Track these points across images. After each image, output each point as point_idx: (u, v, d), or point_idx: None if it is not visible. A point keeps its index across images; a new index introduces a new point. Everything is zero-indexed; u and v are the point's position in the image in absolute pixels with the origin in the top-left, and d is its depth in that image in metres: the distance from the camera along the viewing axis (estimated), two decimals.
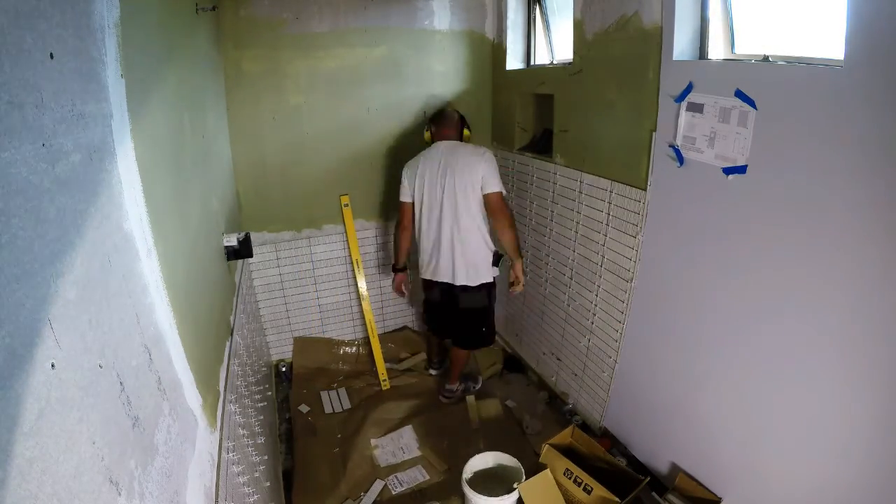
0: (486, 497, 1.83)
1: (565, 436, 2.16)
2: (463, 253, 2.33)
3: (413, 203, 2.41)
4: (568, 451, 2.09)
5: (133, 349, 0.79)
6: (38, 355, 0.51)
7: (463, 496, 1.91)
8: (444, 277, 2.41)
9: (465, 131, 2.46)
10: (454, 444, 2.40)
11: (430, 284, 2.53)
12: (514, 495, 1.87)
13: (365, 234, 2.95)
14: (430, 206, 2.33)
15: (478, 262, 2.37)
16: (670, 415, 1.98)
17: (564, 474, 1.95)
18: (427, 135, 2.46)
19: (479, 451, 2.29)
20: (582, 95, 2.17)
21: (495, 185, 2.26)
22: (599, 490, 1.84)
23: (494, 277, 2.46)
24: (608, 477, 1.92)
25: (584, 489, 1.88)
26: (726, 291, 1.65)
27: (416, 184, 2.35)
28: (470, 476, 1.95)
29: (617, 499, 1.80)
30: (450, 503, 2.07)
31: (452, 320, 2.56)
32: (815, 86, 1.29)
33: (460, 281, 2.38)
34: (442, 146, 2.35)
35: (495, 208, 2.27)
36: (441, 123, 2.42)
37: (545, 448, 2.04)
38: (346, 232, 2.85)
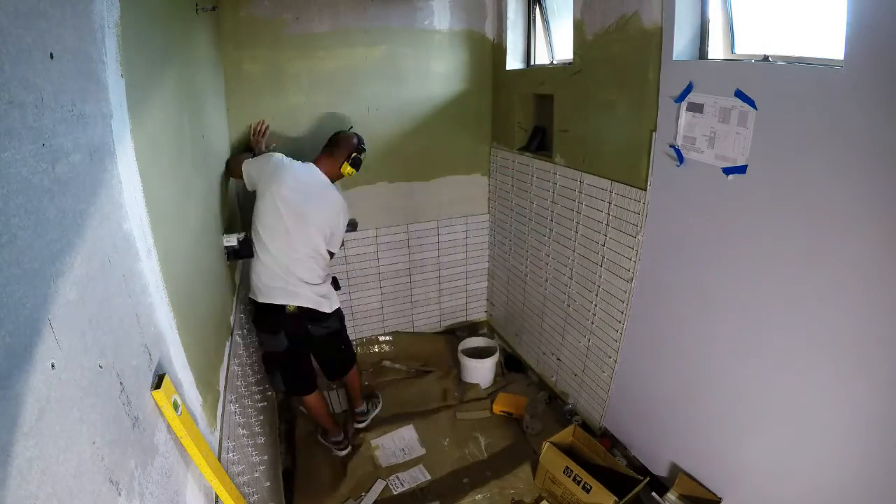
0: (473, 359, 2.80)
1: (567, 435, 2.16)
2: (316, 283, 2.14)
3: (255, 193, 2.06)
4: (569, 451, 2.10)
5: (133, 349, 0.79)
6: (38, 355, 0.51)
7: (458, 364, 2.89)
8: (305, 303, 2.10)
9: (348, 168, 2.17)
10: (454, 443, 2.41)
11: (275, 322, 2.09)
12: (492, 359, 2.82)
13: (365, 235, 2.95)
14: (281, 227, 2.01)
15: (329, 291, 2.22)
16: (670, 415, 1.98)
17: (564, 472, 1.96)
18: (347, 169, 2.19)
19: (480, 451, 2.32)
20: (582, 95, 2.17)
21: (336, 246, 2.20)
22: (599, 489, 1.84)
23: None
24: (609, 477, 1.93)
25: (584, 487, 1.88)
26: (726, 291, 1.65)
27: (272, 193, 1.99)
28: (463, 349, 2.91)
29: (615, 497, 1.81)
30: (451, 503, 2.07)
31: (320, 355, 2.37)
32: (815, 86, 1.29)
33: (324, 309, 2.16)
34: (316, 174, 2.11)
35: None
36: (334, 147, 2.16)
37: (546, 446, 2.05)
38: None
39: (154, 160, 1.02)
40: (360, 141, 2.23)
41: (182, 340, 1.02)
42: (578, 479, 1.91)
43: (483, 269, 3.33)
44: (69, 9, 0.68)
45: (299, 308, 2.09)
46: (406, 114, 2.79)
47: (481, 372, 2.83)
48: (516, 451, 2.36)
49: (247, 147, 2.45)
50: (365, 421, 2.55)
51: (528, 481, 2.16)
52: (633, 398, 2.17)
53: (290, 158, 2.10)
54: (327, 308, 2.18)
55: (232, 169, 2.16)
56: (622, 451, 2.23)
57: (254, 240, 2.03)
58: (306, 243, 2.07)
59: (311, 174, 2.10)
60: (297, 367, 2.22)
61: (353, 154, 2.18)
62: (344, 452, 2.38)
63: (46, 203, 0.57)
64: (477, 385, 2.82)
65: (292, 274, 2.06)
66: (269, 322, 2.11)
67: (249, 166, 2.07)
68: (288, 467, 2.29)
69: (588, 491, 1.87)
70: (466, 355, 2.84)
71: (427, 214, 3.04)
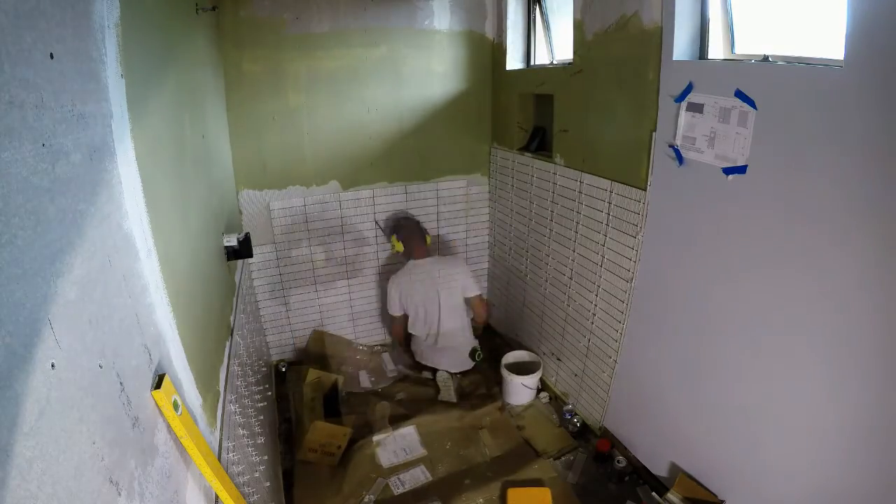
0: (517, 375, 2.62)
1: None
2: (456, 348, 2.87)
3: (404, 314, 2.86)
4: None
5: (133, 349, 0.79)
6: (38, 355, 0.51)
7: (501, 379, 2.71)
8: (441, 366, 2.88)
9: (427, 237, 2.82)
10: (456, 444, 2.41)
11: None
12: (535, 375, 2.63)
13: (364, 235, 2.95)
14: (426, 316, 2.81)
15: (465, 357, 2.90)
16: (671, 415, 1.98)
17: None
18: (399, 245, 2.78)
19: (481, 452, 2.34)
20: (582, 95, 2.17)
21: (475, 289, 2.84)
22: None
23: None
24: None
25: None
26: (726, 291, 1.65)
27: (408, 301, 2.80)
28: (506, 364, 2.72)
29: None
30: (452, 503, 2.07)
31: None
32: (815, 86, 1.29)
33: (455, 369, 2.89)
34: (425, 265, 2.78)
35: (479, 309, 2.93)
36: (412, 240, 2.77)
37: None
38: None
39: (154, 160, 1.02)
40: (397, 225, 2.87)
41: (182, 340, 1.02)
42: None
43: (483, 269, 3.33)
44: (69, 9, 0.68)
45: None
46: (406, 114, 2.79)
47: (525, 391, 2.66)
48: (517, 451, 2.36)
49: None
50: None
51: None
52: (633, 398, 2.17)
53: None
54: None
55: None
56: (622, 451, 2.23)
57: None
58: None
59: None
60: None
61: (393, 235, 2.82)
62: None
63: (46, 203, 0.57)
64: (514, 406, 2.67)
65: None
66: None
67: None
68: (288, 467, 2.29)
69: None
70: (510, 371, 2.66)
71: (427, 214, 3.04)
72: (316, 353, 3.01)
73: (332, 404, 2.64)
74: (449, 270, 2.79)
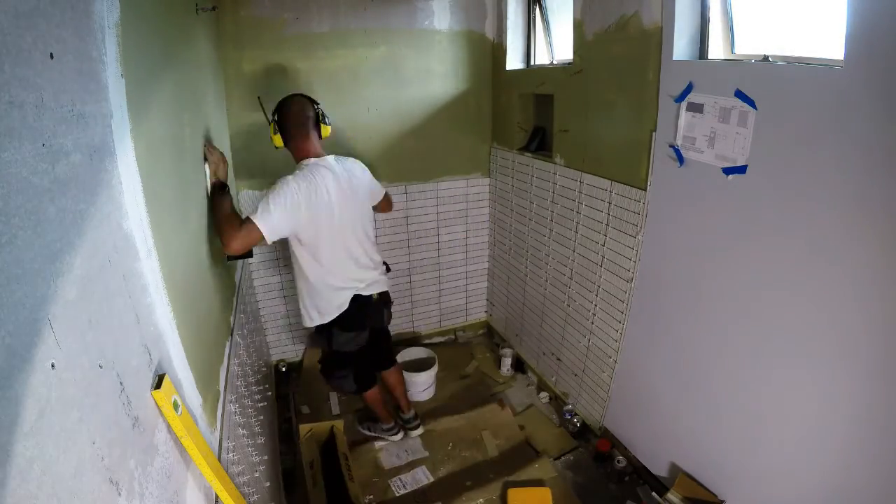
0: (411, 373, 2.60)
1: None
2: (379, 265, 2.12)
3: (301, 235, 1.84)
4: None
5: (133, 349, 0.79)
6: (38, 355, 0.51)
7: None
8: (381, 287, 2.09)
9: (325, 127, 1.94)
10: (457, 445, 2.41)
11: (362, 316, 2.03)
12: (430, 371, 2.65)
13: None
14: (340, 231, 1.89)
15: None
16: (670, 415, 1.98)
17: None
18: (278, 139, 1.88)
19: (482, 453, 2.35)
20: (582, 95, 2.17)
21: (381, 187, 2.16)
22: None
23: None
24: None
25: None
26: (726, 291, 1.65)
27: (316, 211, 1.79)
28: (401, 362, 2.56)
29: None
30: None
31: (381, 346, 2.30)
32: (815, 86, 1.29)
33: (387, 287, 2.15)
34: (329, 164, 1.86)
35: (389, 202, 2.25)
36: (299, 129, 1.87)
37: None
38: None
39: (154, 160, 1.02)
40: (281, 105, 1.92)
41: (182, 340, 1.02)
42: None
43: (483, 269, 3.33)
44: (69, 9, 0.68)
45: (380, 294, 2.10)
46: (406, 114, 2.79)
47: (419, 386, 2.66)
48: (518, 452, 2.36)
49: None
50: (419, 426, 2.50)
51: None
52: (633, 398, 2.17)
53: (302, 172, 1.79)
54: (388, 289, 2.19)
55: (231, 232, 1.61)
56: (622, 451, 2.23)
57: (303, 263, 1.92)
58: (359, 229, 1.98)
59: (335, 164, 1.90)
60: (366, 361, 2.26)
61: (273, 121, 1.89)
62: (398, 437, 2.45)
63: (46, 203, 0.57)
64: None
65: (363, 264, 2.02)
66: (356, 318, 2.01)
67: (273, 218, 1.68)
68: (288, 467, 2.29)
69: None
70: (407, 369, 2.58)
71: (427, 214, 3.04)
72: (312, 361, 2.98)
73: (332, 461, 2.21)
74: (358, 174, 2.00)
